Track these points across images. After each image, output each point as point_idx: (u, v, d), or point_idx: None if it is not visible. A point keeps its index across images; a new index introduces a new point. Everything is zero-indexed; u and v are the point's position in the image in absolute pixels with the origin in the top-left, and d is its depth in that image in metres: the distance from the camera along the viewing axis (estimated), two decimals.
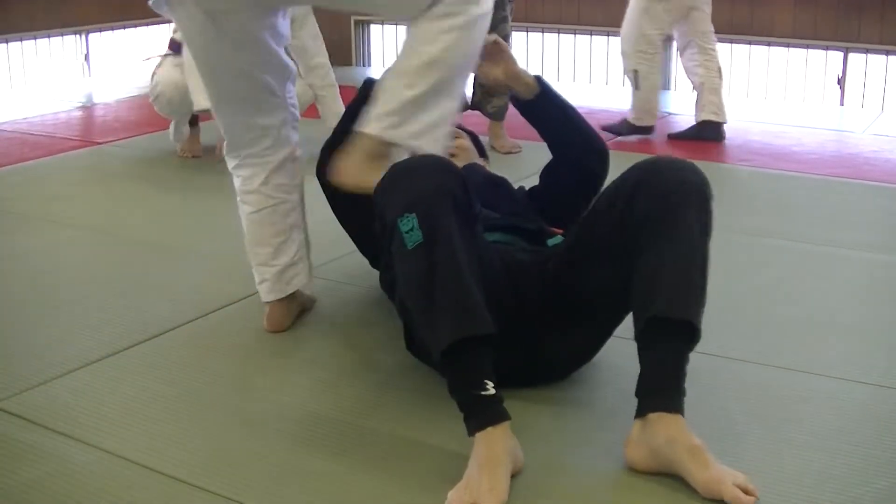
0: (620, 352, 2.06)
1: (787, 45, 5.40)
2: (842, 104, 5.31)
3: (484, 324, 1.67)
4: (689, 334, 1.72)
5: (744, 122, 4.75)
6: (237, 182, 2.31)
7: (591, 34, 5.77)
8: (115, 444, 1.82)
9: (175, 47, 3.99)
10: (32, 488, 1.68)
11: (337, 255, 2.74)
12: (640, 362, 1.74)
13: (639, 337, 1.75)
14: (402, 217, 1.71)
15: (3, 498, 1.66)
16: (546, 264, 1.98)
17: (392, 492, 1.67)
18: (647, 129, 4.35)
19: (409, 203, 1.71)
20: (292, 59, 3.81)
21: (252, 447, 1.81)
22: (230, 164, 2.31)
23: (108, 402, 1.99)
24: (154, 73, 4.00)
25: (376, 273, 2.65)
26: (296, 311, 2.37)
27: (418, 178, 1.75)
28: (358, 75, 5.95)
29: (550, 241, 2.17)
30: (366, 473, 1.72)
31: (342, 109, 3.57)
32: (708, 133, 4.27)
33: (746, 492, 1.59)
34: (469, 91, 4.11)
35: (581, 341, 2.00)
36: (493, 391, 1.66)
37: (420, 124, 1.91)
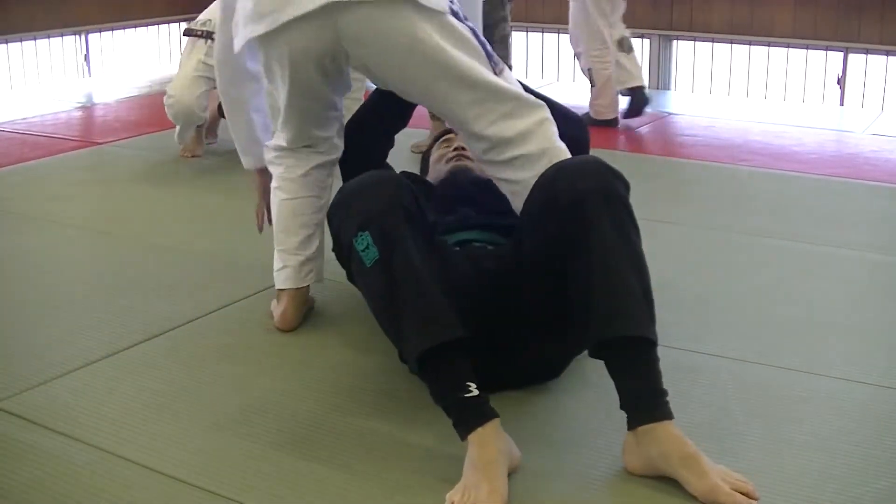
0: None
1: (787, 45, 5.41)
2: (842, 104, 5.31)
3: (450, 329, 1.67)
4: (642, 344, 1.70)
5: (744, 122, 4.75)
6: (278, 170, 2.33)
7: None
8: (115, 444, 1.82)
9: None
10: (32, 488, 1.68)
11: None
12: (611, 377, 1.73)
13: (594, 356, 1.74)
14: (356, 237, 1.73)
15: (3, 498, 1.66)
16: (509, 270, 1.94)
17: (392, 492, 1.67)
18: (611, 122, 4.54)
19: (361, 222, 1.73)
20: None
21: (252, 447, 1.81)
22: (272, 153, 2.33)
23: (108, 402, 1.99)
24: (180, 64, 3.96)
25: None
26: (304, 310, 2.38)
27: (367, 195, 1.77)
28: (357, 75, 5.91)
29: None
30: (365, 473, 1.72)
31: None
32: (636, 99, 4.37)
33: (746, 494, 1.59)
34: None
35: (557, 344, 1.98)
36: (476, 392, 1.66)
37: None
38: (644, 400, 1.68)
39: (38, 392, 2.03)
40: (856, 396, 2.01)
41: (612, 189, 1.78)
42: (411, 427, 1.88)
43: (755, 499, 1.59)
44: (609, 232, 1.73)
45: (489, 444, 1.64)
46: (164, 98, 3.93)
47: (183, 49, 4.04)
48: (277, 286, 2.35)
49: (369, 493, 1.66)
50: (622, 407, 1.71)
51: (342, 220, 1.79)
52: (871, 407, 1.97)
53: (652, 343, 1.70)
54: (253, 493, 1.66)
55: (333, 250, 1.85)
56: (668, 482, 1.65)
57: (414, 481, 1.69)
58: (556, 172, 1.83)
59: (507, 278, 1.94)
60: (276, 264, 2.35)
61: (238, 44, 2.17)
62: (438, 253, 1.84)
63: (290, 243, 2.32)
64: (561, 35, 5.99)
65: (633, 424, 1.69)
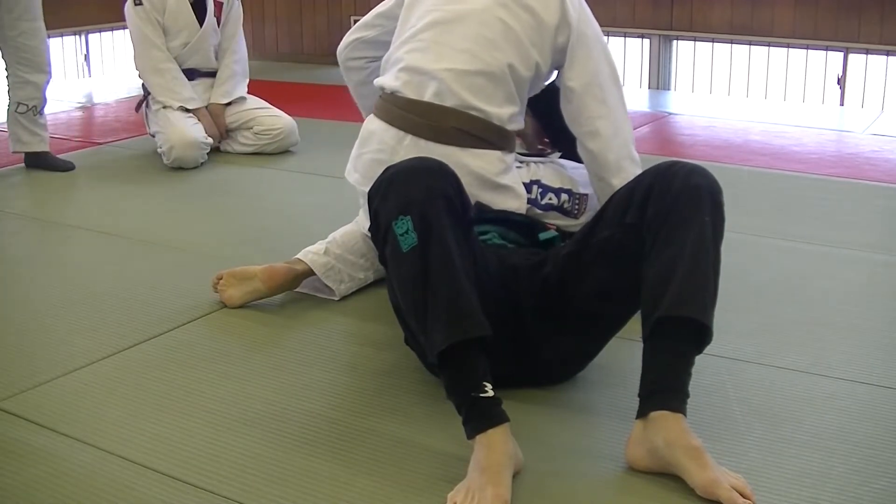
0: (621, 352, 2.06)
1: (787, 46, 5.40)
2: (842, 104, 5.31)
3: (479, 326, 1.66)
4: (699, 334, 1.71)
5: (744, 122, 4.75)
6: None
7: None
8: (115, 444, 1.82)
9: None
10: (32, 488, 1.68)
11: None
12: (643, 362, 1.74)
13: (647, 337, 1.75)
14: (396, 220, 1.71)
15: (3, 498, 1.66)
16: (543, 267, 1.97)
17: (391, 492, 1.67)
18: None
19: (403, 205, 1.71)
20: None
21: (252, 447, 1.81)
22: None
23: (108, 402, 1.99)
24: (158, 125, 3.95)
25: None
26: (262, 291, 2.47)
27: (413, 180, 1.75)
28: None
29: (542, 235, 2.16)
30: (365, 474, 1.72)
31: None
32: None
33: (744, 495, 1.59)
34: None
35: (581, 345, 2.00)
36: (491, 393, 1.66)
37: None
38: (667, 388, 1.69)
39: (38, 392, 2.03)
40: (856, 396, 2.01)
41: (718, 193, 1.83)
42: (412, 426, 1.88)
43: (752, 502, 1.59)
44: (707, 228, 1.77)
45: (497, 447, 1.64)
46: (159, 146, 3.92)
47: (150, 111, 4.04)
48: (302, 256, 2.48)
49: (369, 493, 1.66)
50: (641, 392, 1.72)
51: (384, 200, 1.76)
52: (871, 407, 1.97)
53: (706, 338, 1.72)
54: (253, 493, 1.66)
55: (370, 229, 1.84)
56: (670, 481, 1.66)
57: (414, 481, 1.69)
58: (673, 164, 1.86)
59: (525, 282, 1.95)
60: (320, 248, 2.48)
61: None
62: (472, 246, 1.84)
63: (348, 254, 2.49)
64: None
65: (645, 410, 1.69)
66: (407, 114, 2.27)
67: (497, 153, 2.26)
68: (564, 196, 2.38)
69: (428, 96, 2.25)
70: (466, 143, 2.23)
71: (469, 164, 2.21)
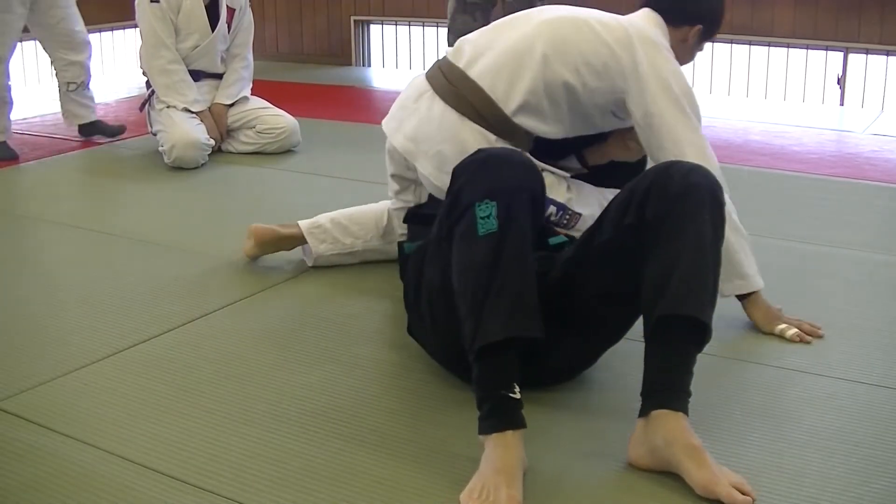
0: (623, 352, 2.06)
1: (787, 46, 5.40)
2: (842, 104, 5.31)
3: (537, 327, 1.68)
4: (699, 333, 1.72)
5: (744, 122, 4.75)
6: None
7: None
8: (115, 444, 1.82)
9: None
10: (32, 488, 1.68)
11: None
12: (645, 361, 1.74)
13: (648, 337, 1.75)
14: (481, 202, 1.72)
15: (3, 498, 1.66)
16: (550, 272, 1.96)
17: (391, 492, 1.67)
18: None
19: (491, 191, 1.72)
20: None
21: (252, 447, 1.81)
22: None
23: (108, 403, 1.99)
24: (161, 124, 3.99)
25: (377, 272, 2.66)
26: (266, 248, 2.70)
27: (506, 169, 1.76)
28: (358, 75, 5.96)
29: (552, 240, 2.17)
30: (366, 473, 1.72)
31: None
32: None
33: (744, 492, 1.59)
34: None
35: (590, 348, 2.00)
36: (518, 395, 1.66)
37: None
38: (668, 387, 1.70)
39: (38, 392, 2.03)
40: (856, 396, 2.01)
41: (719, 192, 1.82)
42: (413, 426, 1.88)
43: (752, 499, 1.59)
44: (707, 227, 1.77)
45: (512, 449, 1.64)
46: (161, 145, 3.95)
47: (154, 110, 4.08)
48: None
49: (370, 492, 1.66)
50: (643, 391, 1.72)
51: (471, 179, 1.77)
52: (871, 407, 1.97)
53: (705, 337, 1.73)
54: (253, 493, 1.66)
55: (444, 204, 1.82)
56: (671, 481, 1.66)
57: (415, 480, 1.69)
58: (671, 165, 1.85)
59: (541, 282, 1.94)
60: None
61: None
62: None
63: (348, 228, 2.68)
64: None
65: (647, 409, 1.70)
66: (439, 73, 2.38)
67: (491, 136, 2.28)
68: (553, 208, 2.35)
69: (462, 64, 2.35)
70: (467, 114, 2.29)
71: (460, 132, 2.26)
